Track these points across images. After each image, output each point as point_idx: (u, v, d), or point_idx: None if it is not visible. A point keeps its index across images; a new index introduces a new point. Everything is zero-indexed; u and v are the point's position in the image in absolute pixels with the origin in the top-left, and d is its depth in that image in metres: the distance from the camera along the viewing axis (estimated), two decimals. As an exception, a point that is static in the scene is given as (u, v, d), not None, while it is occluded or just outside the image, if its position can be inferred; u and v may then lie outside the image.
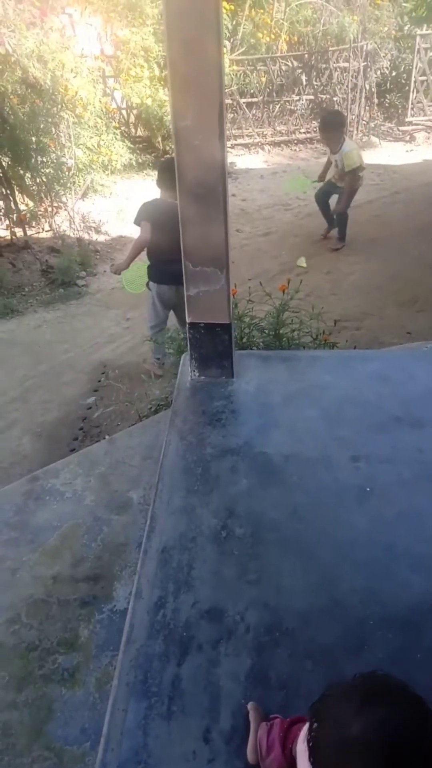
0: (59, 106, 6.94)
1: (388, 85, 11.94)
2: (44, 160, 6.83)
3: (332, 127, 5.72)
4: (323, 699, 1.04)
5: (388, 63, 11.74)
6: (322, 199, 6.30)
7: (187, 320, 2.75)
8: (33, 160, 6.66)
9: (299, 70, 10.85)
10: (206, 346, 2.81)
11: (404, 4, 11.10)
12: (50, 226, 7.09)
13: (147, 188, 8.82)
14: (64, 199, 7.24)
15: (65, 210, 7.22)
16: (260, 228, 7.11)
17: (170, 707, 1.53)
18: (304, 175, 6.06)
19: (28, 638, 2.04)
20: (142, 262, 3.91)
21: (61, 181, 7.08)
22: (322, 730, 0.98)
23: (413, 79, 11.11)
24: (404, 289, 5.16)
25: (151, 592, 1.85)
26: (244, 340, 3.37)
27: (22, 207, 7.00)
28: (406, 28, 11.46)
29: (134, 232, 7.28)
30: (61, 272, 5.95)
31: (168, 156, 6.37)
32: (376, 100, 11.64)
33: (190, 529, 2.09)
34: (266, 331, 3.45)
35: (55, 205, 7.25)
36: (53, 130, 7.06)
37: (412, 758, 0.88)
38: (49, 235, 7.01)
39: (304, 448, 2.44)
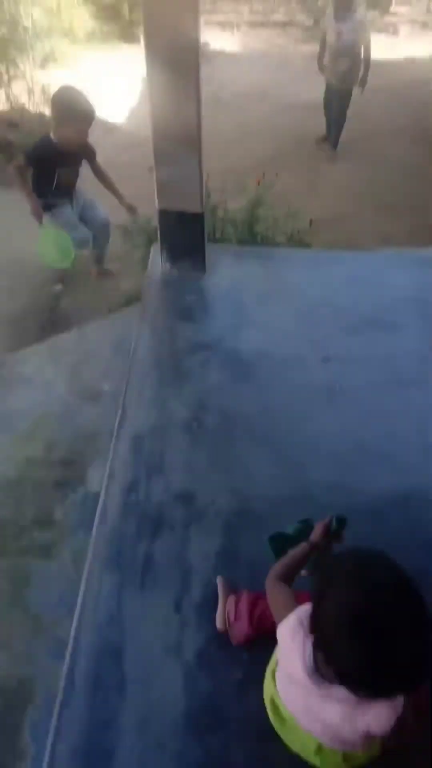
0: None
1: (374, -33, 10.93)
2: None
3: None
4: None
5: None
6: (328, 104, 5.76)
7: (158, 207, 2.62)
8: (-17, 18, 5.93)
9: None
10: (177, 236, 2.70)
11: None
12: (7, 96, 6.44)
13: (113, 61, 8.05)
14: (21, 66, 6.54)
15: (23, 79, 6.55)
16: (235, 119, 6.67)
17: (143, 580, 1.62)
18: None
19: (2, 515, 2.07)
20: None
21: (17, 44, 6.35)
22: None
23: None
24: (382, 193, 5.03)
25: (123, 475, 1.89)
26: (217, 235, 3.26)
27: (-28, 72, 6.31)
28: None
29: (100, 112, 6.74)
30: (22, 150, 5.49)
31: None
32: (362, -17, 10.70)
33: (161, 420, 2.11)
34: (240, 227, 3.34)
35: (11, 73, 6.55)
36: (5, -18, 6.23)
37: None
38: (5, 107, 6.39)
39: (276, 346, 2.45)
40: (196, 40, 2.17)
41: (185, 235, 2.72)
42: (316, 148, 5.99)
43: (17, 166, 3.41)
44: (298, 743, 1.24)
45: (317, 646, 1.04)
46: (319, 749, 1.20)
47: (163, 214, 2.66)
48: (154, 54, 2.22)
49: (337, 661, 1.00)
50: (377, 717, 1.05)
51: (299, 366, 2.35)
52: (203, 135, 2.44)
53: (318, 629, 1.03)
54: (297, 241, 3.39)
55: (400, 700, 1.07)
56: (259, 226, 3.36)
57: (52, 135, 3.39)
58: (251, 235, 3.33)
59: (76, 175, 3.58)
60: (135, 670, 1.43)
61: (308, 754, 1.22)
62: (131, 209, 3.53)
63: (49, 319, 3.37)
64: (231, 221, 3.38)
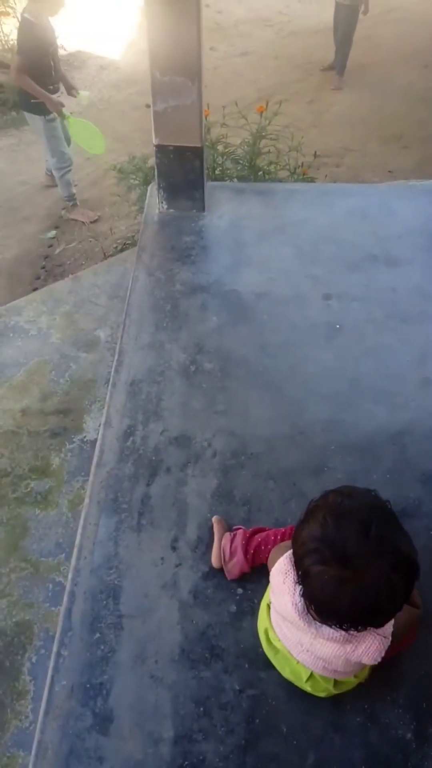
0: None
1: None
2: None
3: None
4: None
5: None
6: (337, 26, 5.40)
7: (154, 142, 2.50)
8: None
9: None
10: (175, 173, 2.59)
11: None
12: (-4, 35, 6.16)
13: (108, -8, 7.62)
14: (12, 1, 6.21)
15: (14, 17, 6.23)
16: (237, 47, 6.32)
17: (140, 521, 1.62)
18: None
19: (0, 466, 2.08)
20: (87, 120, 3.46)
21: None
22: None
23: None
24: (389, 123, 4.78)
25: (120, 421, 1.87)
26: (218, 171, 3.12)
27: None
28: None
29: (94, 47, 6.42)
30: (13, 92, 5.28)
31: None
32: None
33: (158, 364, 2.08)
34: (241, 163, 3.19)
35: (1, 10, 6.24)
36: None
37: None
38: (-5, 47, 6.12)
39: (276, 286, 2.38)
40: None
41: (183, 171, 2.60)
42: (322, 77, 5.68)
43: (18, 67, 3.33)
44: (290, 672, 1.26)
45: (297, 581, 1.02)
46: (311, 677, 1.22)
47: (161, 149, 2.54)
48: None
49: (310, 591, 0.97)
50: (368, 650, 1.05)
51: (300, 305, 2.28)
52: (203, 64, 2.30)
53: (295, 561, 1.01)
54: (300, 175, 3.24)
55: (388, 628, 1.07)
56: (261, 161, 3.21)
57: (28, 16, 3.32)
58: (253, 171, 3.18)
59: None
60: (131, 609, 1.44)
61: (300, 682, 1.24)
62: (72, 90, 3.65)
63: (43, 268, 3.31)
64: (232, 156, 3.23)
